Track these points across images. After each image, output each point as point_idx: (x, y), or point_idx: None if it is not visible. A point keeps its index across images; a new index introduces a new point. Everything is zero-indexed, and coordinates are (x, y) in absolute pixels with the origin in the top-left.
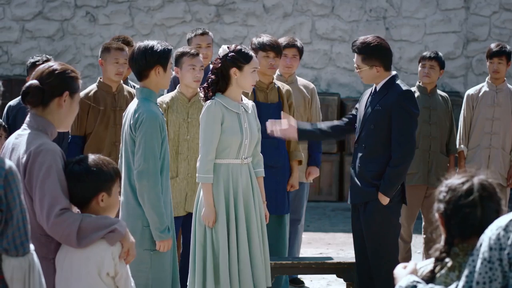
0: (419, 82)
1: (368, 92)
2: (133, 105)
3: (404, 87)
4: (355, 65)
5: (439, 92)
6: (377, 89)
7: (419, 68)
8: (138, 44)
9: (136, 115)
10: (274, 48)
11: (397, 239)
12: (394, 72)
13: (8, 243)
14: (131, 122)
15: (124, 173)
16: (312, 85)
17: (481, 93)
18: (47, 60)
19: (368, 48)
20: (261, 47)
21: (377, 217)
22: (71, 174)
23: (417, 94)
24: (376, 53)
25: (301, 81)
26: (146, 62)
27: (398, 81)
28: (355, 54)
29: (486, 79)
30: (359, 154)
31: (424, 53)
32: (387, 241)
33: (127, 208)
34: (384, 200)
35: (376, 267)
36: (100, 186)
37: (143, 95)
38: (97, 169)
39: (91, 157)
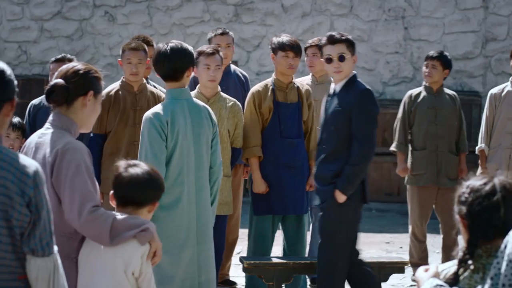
0: (425, 82)
1: (326, 95)
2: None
3: (364, 86)
4: (338, 55)
5: (447, 91)
6: (337, 90)
7: (423, 68)
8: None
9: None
10: (293, 48)
11: (348, 240)
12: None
13: (35, 244)
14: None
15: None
16: None
17: (504, 93)
18: (70, 60)
19: (349, 37)
20: (281, 47)
21: (330, 214)
22: (141, 176)
23: (423, 94)
24: (354, 43)
25: None
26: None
27: (357, 81)
28: (337, 44)
29: (510, 78)
30: (321, 156)
31: (429, 53)
32: (336, 240)
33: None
34: (341, 197)
35: (320, 265)
36: (158, 196)
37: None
38: (160, 177)
39: (146, 165)
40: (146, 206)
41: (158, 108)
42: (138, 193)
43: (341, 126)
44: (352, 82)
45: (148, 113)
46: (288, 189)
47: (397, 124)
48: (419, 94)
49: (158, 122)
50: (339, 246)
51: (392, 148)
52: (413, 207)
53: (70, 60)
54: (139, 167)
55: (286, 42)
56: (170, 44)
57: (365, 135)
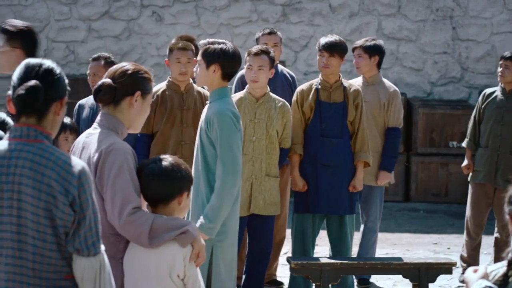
0: (500, 83)
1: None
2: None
3: None
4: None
5: None
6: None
7: (498, 68)
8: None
9: None
10: (325, 48)
11: None
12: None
13: (80, 243)
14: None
15: (203, 175)
16: (392, 89)
17: None
18: (106, 58)
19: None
20: (318, 47)
21: None
22: (157, 171)
23: (496, 93)
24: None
25: (385, 83)
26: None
27: None
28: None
29: None
30: None
31: (504, 53)
32: None
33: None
34: None
35: None
36: (184, 186)
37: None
38: (184, 167)
39: (171, 157)
40: (172, 200)
41: (229, 103)
42: (155, 188)
43: None
44: None
45: (223, 109)
46: (324, 188)
47: (470, 121)
48: (492, 93)
49: (235, 118)
50: None
51: (463, 144)
52: (469, 202)
53: (106, 59)
54: (158, 163)
55: (321, 42)
56: (232, 44)
57: None
